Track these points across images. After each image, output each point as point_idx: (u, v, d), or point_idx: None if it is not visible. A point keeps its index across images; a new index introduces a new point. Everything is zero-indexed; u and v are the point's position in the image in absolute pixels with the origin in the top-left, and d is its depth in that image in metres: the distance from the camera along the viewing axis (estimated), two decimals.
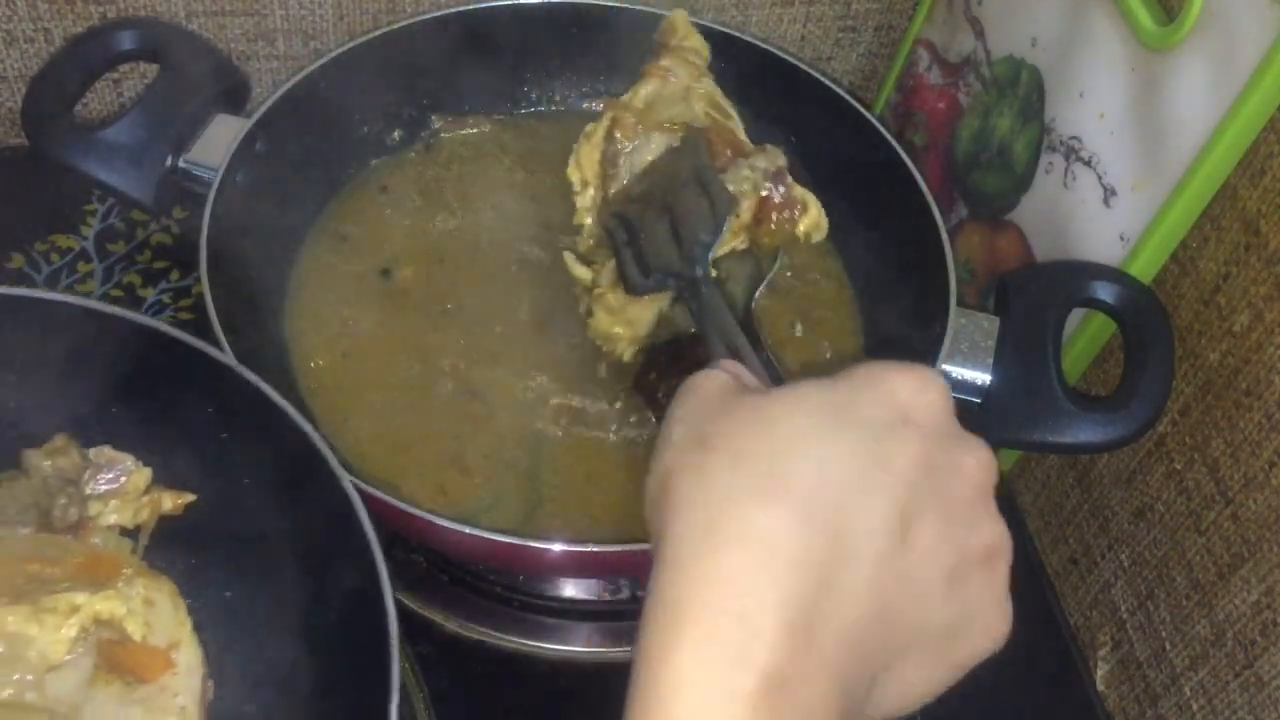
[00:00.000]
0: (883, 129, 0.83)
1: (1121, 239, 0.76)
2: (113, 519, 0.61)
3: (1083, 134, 0.79)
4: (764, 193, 0.71)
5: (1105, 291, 0.74)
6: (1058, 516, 0.88)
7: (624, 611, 0.78)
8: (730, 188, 0.70)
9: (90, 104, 0.80)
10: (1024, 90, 0.84)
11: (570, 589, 0.79)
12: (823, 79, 0.87)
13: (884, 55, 1.06)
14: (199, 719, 0.57)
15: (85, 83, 0.80)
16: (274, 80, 0.95)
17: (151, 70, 0.93)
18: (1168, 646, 0.77)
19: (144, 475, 0.63)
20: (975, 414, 0.75)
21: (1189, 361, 0.74)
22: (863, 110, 0.84)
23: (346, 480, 0.59)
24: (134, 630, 0.56)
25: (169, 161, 0.78)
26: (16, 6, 0.89)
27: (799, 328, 0.83)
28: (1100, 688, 0.83)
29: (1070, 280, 0.76)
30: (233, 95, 0.83)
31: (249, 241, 0.77)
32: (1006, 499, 0.89)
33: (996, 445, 0.88)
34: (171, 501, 0.63)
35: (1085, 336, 0.79)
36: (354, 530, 0.57)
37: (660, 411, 0.76)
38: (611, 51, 0.92)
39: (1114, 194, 0.76)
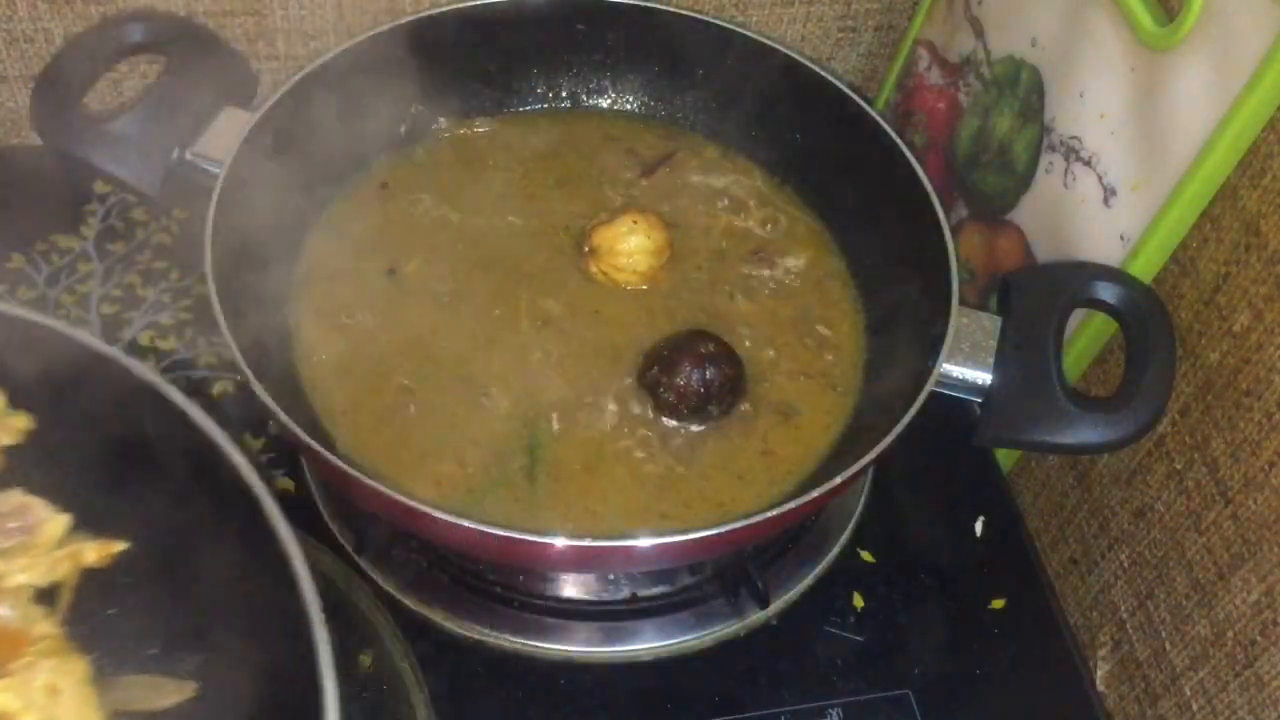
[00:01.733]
0: (887, 126, 0.83)
1: (1121, 239, 0.76)
2: (21, 579, 0.50)
3: (1083, 134, 0.79)
4: None
5: (1106, 291, 0.74)
6: (1058, 516, 0.88)
7: (623, 611, 0.78)
8: None
9: (90, 101, 0.80)
10: (1024, 90, 0.85)
11: (569, 589, 0.79)
12: (828, 76, 0.87)
13: (884, 55, 1.06)
14: None
15: (94, 74, 0.80)
16: (274, 80, 0.95)
17: (153, 69, 0.93)
18: (1168, 646, 0.77)
19: (58, 524, 0.52)
20: (976, 414, 0.75)
21: (1189, 361, 0.74)
22: (867, 108, 0.84)
23: (284, 528, 0.50)
24: None
25: (176, 154, 0.78)
26: (16, 7, 0.89)
27: (801, 327, 0.83)
28: (1100, 688, 0.83)
29: (1071, 280, 0.76)
30: (241, 89, 0.83)
31: (253, 235, 0.77)
32: (1006, 499, 0.89)
33: (996, 445, 0.88)
34: (96, 553, 0.52)
35: (1086, 336, 0.79)
36: (295, 596, 0.47)
37: (662, 406, 0.76)
38: (617, 48, 0.93)
39: (1114, 194, 0.76)
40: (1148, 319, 0.73)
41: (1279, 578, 0.67)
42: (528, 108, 0.94)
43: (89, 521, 0.52)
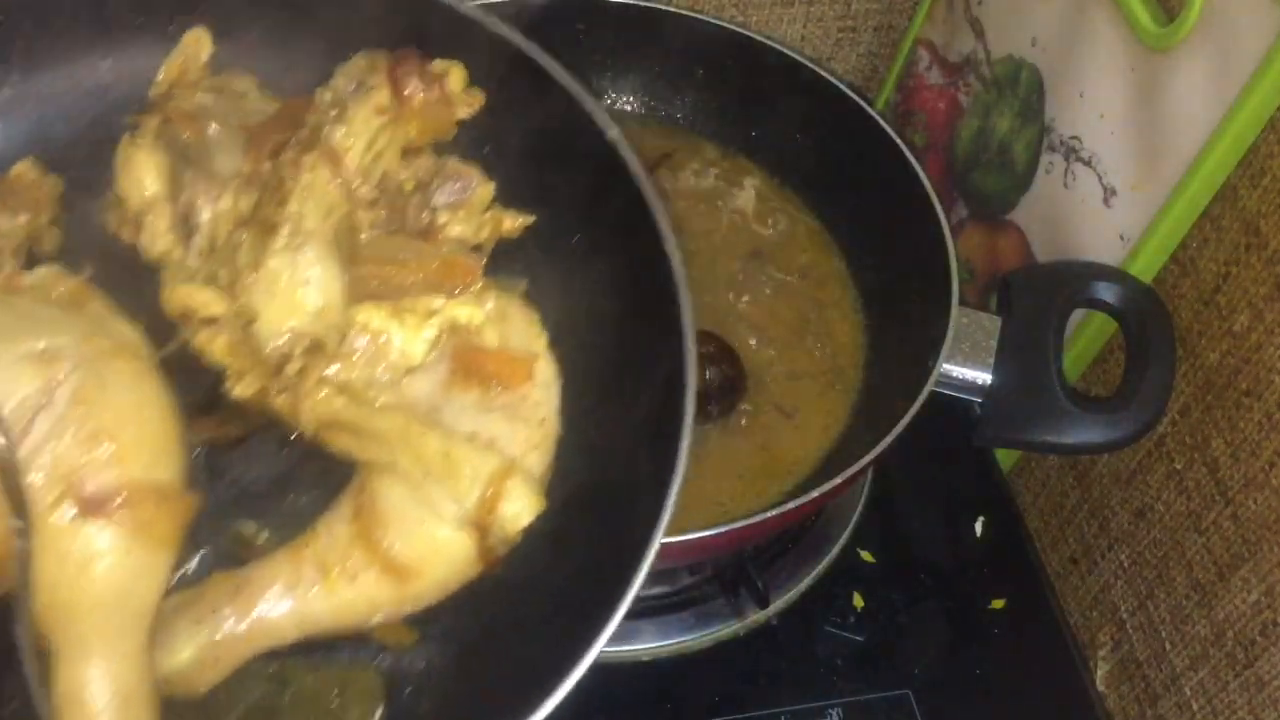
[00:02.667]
0: (887, 127, 0.83)
1: (1121, 239, 0.76)
2: (457, 230, 0.59)
3: (1083, 134, 0.79)
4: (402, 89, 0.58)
5: (1106, 291, 0.74)
6: (1058, 516, 0.88)
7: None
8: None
9: None
10: (1024, 90, 0.85)
11: None
12: (828, 77, 0.87)
13: (884, 55, 1.06)
14: (557, 431, 0.55)
15: None
16: None
17: None
18: (1168, 646, 0.77)
19: (488, 190, 0.60)
20: (976, 414, 0.75)
21: (1189, 361, 0.74)
22: (867, 108, 0.84)
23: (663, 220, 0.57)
24: (490, 338, 0.55)
25: None
26: None
27: (801, 327, 0.83)
28: (1100, 688, 0.83)
29: (1071, 280, 0.76)
30: None
31: None
32: (1006, 499, 0.89)
33: (996, 445, 0.88)
34: (512, 221, 0.60)
35: (1086, 336, 0.79)
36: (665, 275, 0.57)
37: None
38: (617, 48, 0.92)
39: (1114, 194, 0.76)
40: (1148, 319, 0.73)
41: (1279, 578, 0.68)
42: None
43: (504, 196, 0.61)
